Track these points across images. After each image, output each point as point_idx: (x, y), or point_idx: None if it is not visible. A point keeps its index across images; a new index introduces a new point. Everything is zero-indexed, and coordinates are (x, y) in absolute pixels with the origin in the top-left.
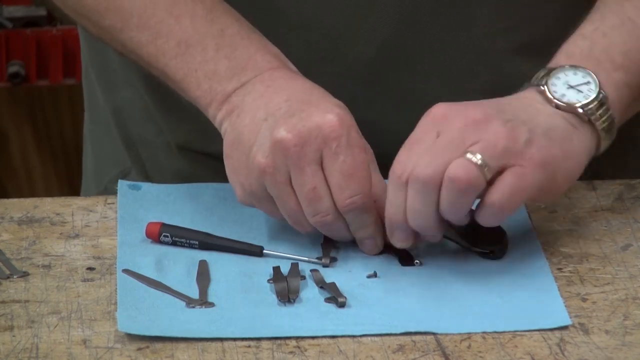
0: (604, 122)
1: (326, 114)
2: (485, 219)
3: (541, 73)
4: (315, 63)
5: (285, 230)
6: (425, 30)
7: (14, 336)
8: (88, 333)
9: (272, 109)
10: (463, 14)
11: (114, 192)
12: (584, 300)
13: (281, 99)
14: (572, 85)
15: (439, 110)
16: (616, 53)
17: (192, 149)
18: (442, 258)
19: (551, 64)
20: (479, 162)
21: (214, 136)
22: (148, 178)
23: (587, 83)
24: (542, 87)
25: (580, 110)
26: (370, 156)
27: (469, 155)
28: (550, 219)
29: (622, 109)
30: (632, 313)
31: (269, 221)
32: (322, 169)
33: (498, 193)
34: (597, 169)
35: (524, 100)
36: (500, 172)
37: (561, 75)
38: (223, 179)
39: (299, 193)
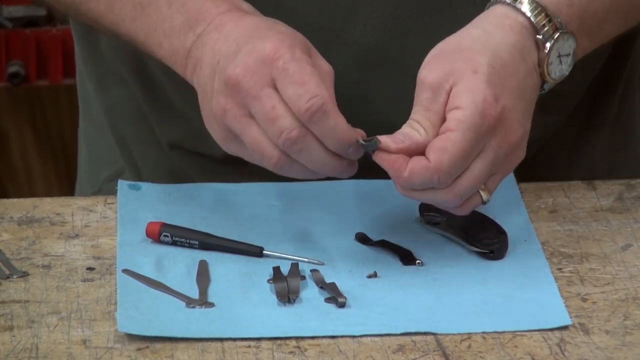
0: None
1: (267, 41)
2: None
3: None
4: None
5: (285, 231)
6: (411, 33)
7: (13, 336)
8: (88, 333)
9: (224, 52)
10: (448, 15)
11: (108, 192)
12: (584, 300)
13: (230, 40)
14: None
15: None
16: None
17: (183, 147)
18: (442, 258)
19: None
20: (485, 199)
21: (205, 135)
22: (140, 177)
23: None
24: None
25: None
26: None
27: (483, 193)
28: (550, 219)
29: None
30: (632, 313)
31: (269, 221)
32: (277, 91)
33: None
34: (593, 168)
35: (504, 33)
36: None
37: None
38: (215, 177)
39: (260, 119)
